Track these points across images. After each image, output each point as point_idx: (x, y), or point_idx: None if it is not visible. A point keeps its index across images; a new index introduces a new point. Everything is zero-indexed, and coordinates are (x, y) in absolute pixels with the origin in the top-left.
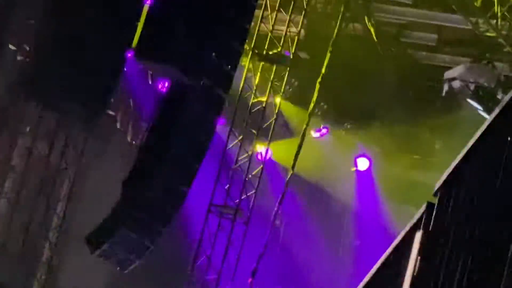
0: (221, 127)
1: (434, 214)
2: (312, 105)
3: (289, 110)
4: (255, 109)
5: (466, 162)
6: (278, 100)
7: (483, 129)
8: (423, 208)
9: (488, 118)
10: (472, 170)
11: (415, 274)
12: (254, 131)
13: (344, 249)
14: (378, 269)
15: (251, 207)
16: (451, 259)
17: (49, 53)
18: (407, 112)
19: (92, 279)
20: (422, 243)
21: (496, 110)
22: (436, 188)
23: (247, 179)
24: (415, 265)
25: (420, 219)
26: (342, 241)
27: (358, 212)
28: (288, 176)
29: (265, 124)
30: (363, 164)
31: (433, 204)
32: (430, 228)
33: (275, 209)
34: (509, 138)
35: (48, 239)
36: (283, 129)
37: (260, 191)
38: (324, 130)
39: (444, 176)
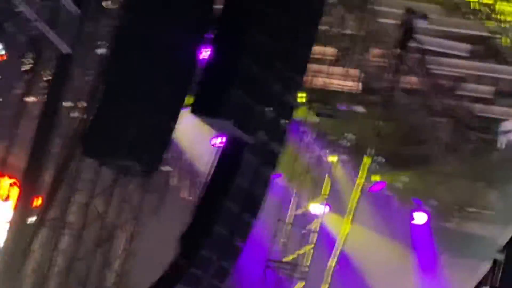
0: (277, 182)
1: (501, 270)
2: (368, 158)
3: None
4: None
5: None
6: (334, 156)
7: None
8: (489, 264)
9: None
10: None
11: None
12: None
13: None
14: None
15: (308, 263)
16: None
17: (105, 109)
18: (463, 165)
19: None
20: None
21: None
22: (503, 245)
23: (303, 234)
24: None
25: (486, 276)
26: None
27: (416, 265)
28: (345, 232)
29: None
30: (420, 218)
31: (500, 261)
32: (497, 284)
33: (331, 265)
34: None
35: None
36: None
37: (317, 246)
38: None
39: (509, 235)
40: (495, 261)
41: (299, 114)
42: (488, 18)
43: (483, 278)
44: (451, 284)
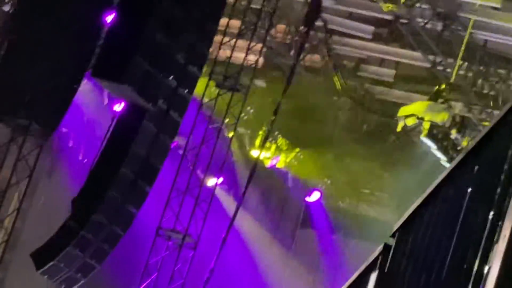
0: (174, 151)
1: (390, 256)
2: (265, 134)
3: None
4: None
5: (425, 207)
6: (231, 134)
7: (444, 176)
8: (379, 249)
9: (449, 165)
10: (431, 216)
11: None
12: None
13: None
14: None
15: (199, 233)
16: None
17: (7, 67)
18: (360, 146)
19: None
20: (377, 285)
21: (457, 158)
22: (394, 230)
23: (196, 205)
24: None
25: (375, 260)
26: None
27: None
28: (237, 205)
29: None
30: (313, 196)
31: (390, 246)
32: (386, 269)
33: (223, 236)
34: (468, 190)
35: None
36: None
37: (213, 216)
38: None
39: (402, 219)
40: (385, 246)
41: (201, 85)
42: (394, 2)
43: (372, 262)
44: (347, 264)
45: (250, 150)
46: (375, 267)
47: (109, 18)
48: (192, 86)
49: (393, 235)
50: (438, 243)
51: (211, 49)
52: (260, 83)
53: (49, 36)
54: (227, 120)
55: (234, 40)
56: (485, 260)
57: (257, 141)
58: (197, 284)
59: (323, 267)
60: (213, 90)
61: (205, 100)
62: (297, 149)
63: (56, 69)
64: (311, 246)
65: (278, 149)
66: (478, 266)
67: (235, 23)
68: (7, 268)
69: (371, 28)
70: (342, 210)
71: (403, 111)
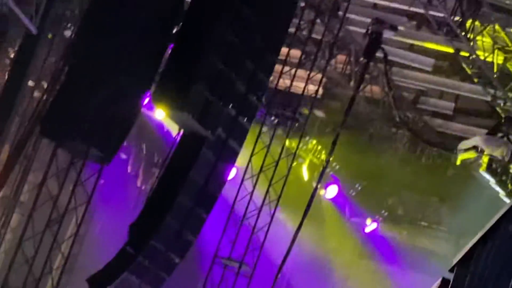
0: (232, 180)
1: None
2: (324, 164)
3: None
4: (269, 165)
5: (484, 243)
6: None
7: (503, 212)
8: (437, 283)
9: (509, 202)
10: (490, 252)
11: None
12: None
13: None
14: None
15: (255, 261)
16: None
17: (68, 92)
18: (418, 179)
19: None
20: None
21: None
22: (452, 264)
23: (254, 233)
24: None
25: None
26: None
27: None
28: (293, 234)
29: (276, 181)
30: (370, 226)
31: (448, 280)
32: None
33: (279, 266)
34: None
35: (51, 278)
36: None
37: (269, 244)
38: (334, 187)
39: (461, 254)
40: (443, 280)
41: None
42: (456, 35)
43: None
44: None
45: (309, 180)
46: None
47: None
48: (251, 115)
49: (451, 270)
50: (496, 279)
51: (271, 79)
52: (319, 113)
53: (110, 61)
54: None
55: (294, 69)
56: None
57: (316, 172)
58: None
59: None
60: (272, 119)
61: (264, 129)
62: (356, 180)
63: (117, 94)
64: (368, 276)
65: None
66: None
67: (296, 53)
68: None
69: (431, 60)
70: (399, 242)
71: (462, 144)
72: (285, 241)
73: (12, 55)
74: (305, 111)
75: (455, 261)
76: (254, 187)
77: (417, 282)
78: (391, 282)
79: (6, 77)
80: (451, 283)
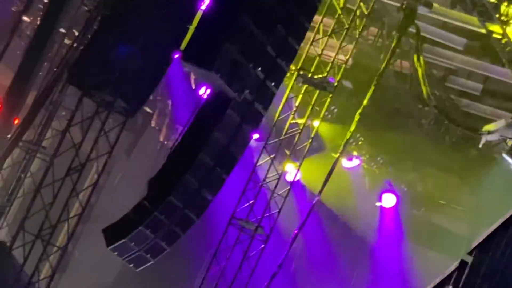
0: (254, 143)
1: (466, 272)
2: (348, 134)
3: (326, 133)
4: (291, 130)
5: (504, 230)
6: (315, 123)
7: None
8: (455, 264)
9: None
10: (509, 239)
11: None
12: (287, 151)
13: (357, 281)
14: None
15: (272, 226)
16: None
17: (99, 42)
18: (441, 157)
19: (102, 270)
20: None
21: None
22: (472, 248)
23: (272, 198)
24: None
25: (451, 274)
26: (356, 273)
27: (377, 247)
28: (314, 201)
29: (299, 147)
30: (389, 200)
31: (466, 263)
32: (461, 285)
33: (295, 231)
34: None
35: (67, 225)
36: (316, 146)
37: (284, 211)
38: (356, 160)
39: (480, 238)
40: (462, 262)
41: (287, 80)
42: (490, 18)
43: (448, 276)
44: (412, 271)
45: (331, 149)
46: (450, 282)
47: (204, 4)
48: (279, 80)
49: (470, 253)
50: None
51: (301, 45)
52: (347, 83)
53: (142, 15)
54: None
55: (326, 38)
56: None
57: (340, 142)
58: (263, 277)
59: (389, 273)
60: (300, 85)
61: (291, 94)
62: (378, 153)
63: (147, 48)
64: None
65: (358, 151)
66: None
67: (328, 22)
68: (78, 241)
69: (463, 40)
70: (415, 218)
71: (487, 127)
72: (303, 209)
73: (46, 0)
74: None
75: (474, 244)
76: (276, 152)
77: (432, 259)
78: (407, 256)
79: (38, 21)
80: (469, 265)
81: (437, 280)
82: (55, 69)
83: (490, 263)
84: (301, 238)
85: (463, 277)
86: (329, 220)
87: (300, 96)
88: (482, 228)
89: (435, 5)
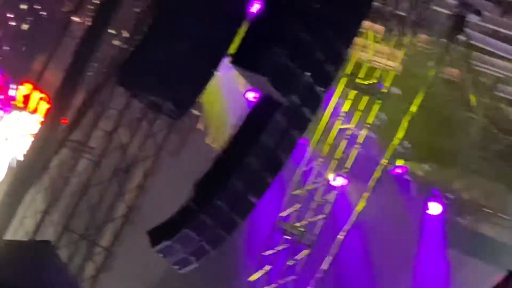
0: (301, 147)
1: None
2: (396, 142)
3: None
4: (339, 135)
5: None
6: (363, 132)
7: None
8: (501, 272)
9: None
10: None
11: None
12: (336, 158)
13: None
14: None
15: (317, 231)
16: None
17: (149, 44)
18: (488, 166)
19: (147, 272)
20: None
21: None
22: None
23: (318, 203)
24: None
25: (498, 286)
26: (399, 281)
27: (422, 255)
28: (359, 209)
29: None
30: (435, 209)
31: None
32: None
33: (340, 238)
34: None
35: (113, 225)
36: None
37: (329, 217)
38: (398, 170)
39: None
40: (510, 273)
41: (338, 85)
42: None
43: (496, 286)
44: (457, 280)
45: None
46: None
47: (254, 8)
48: (327, 85)
49: None
50: None
51: (351, 50)
52: (396, 90)
53: (192, 16)
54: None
55: (375, 44)
56: None
57: (389, 149)
58: (308, 282)
59: (433, 283)
60: (349, 91)
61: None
62: (424, 161)
63: (196, 51)
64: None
65: (405, 158)
66: None
67: (378, 28)
68: (123, 242)
69: None
70: (461, 227)
71: None
72: (349, 213)
73: (96, 1)
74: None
75: None
76: (321, 157)
77: (477, 269)
78: (452, 266)
79: (88, 22)
80: None
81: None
82: (104, 70)
83: None
84: (344, 244)
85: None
86: (372, 226)
87: (349, 101)
88: None
89: (485, 13)
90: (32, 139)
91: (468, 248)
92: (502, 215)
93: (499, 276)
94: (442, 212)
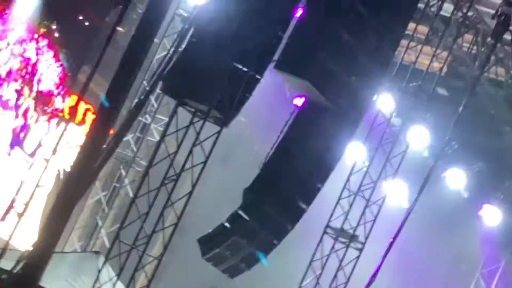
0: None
1: None
2: (444, 143)
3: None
4: (386, 138)
5: None
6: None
7: None
8: None
9: None
10: None
11: None
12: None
13: None
14: None
15: (367, 235)
16: None
17: (193, 52)
18: None
19: (197, 280)
20: None
21: None
22: None
23: (368, 206)
24: None
25: None
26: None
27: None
28: (407, 211)
29: (394, 156)
30: (490, 213)
31: None
32: None
33: (391, 241)
34: None
35: (162, 235)
36: None
37: (380, 220)
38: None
39: None
40: None
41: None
42: None
43: None
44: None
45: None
46: None
47: (298, 13)
48: (374, 88)
49: None
50: None
51: (396, 53)
52: (442, 91)
53: (238, 23)
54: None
55: (420, 45)
56: None
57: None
58: (359, 285)
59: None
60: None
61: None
62: (473, 161)
63: (242, 57)
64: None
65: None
66: None
67: (423, 29)
68: (174, 251)
69: None
70: None
71: None
72: (399, 216)
73: (140, 11)
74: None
75: None
76: (371, 160)
77: None
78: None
79: (134, 32)
80: None
81: None
82: (149, 80)
83: None
84: (397, 248)
85: None
86: (424, 228)
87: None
88: None
89: None
90: (79, 150)
91: None
92: None
93: None
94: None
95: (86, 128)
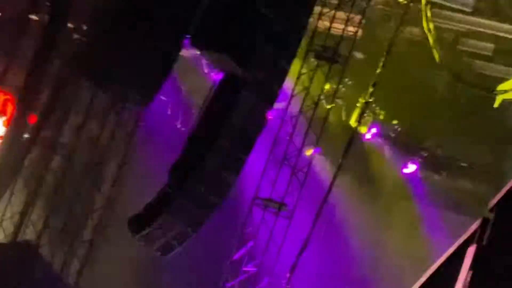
0: (273, 120)
1: (489, 230)
2: (363, 106)
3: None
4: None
5: None
6: (329, 105)
7: None
8: (477, 222)
9: None
10: None
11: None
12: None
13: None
14: (428, 280)
15: (295, 202)
16: (502, 277)
17: (107, 34)
18: (458, 120)
19: (131, 261)
20: (474, 257)
21: None
22: (492, 205)
23: (292, 174)
24: (466, 279)
25: (473, 233)
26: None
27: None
28: (334, 174)
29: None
30: (409, 168)
31: (488, 220)
32: (484, 243)
33: (319, 206)
34: None
35: (91, 218)
36: None
37: (307, 186)
38: (374, 130)
39: (500, 194)
40: (484, 219)
41: (299, 55)
42: None
43: (471, 235)
44: (438, 236)
45: (348, 121)
46: (473, 240)
47: None
48: (291, 57)
49: (491, 210)
50: None
51: (310, 20)
52: (359, 55)
53: (148, 3)
54: (325, 91)
55: (334, 11)
56: None
57: (355, 113)
58: (291, 253)
59: (421, 239)
60: (312, 61)
61: (304, 70)
62: (395, 121)
63: (156, 36)
64: (408, 218)
65: (375, 121)
66: None
67: None
68: (103, 233)
69: (471, 1)
70: (438, 183)
71: (501, 86)
72: (325, 182)
73: None
74: (345, 53)
75: (495, 200)
76: (293, 128)
77: (457, 223)
78: (431, 223)
79: (48, 19)
80: (491, 222)
81: (461, 240)
82: (67, 65)
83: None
84: (330, 209)
85: (486, 234)
86: (353, 192)
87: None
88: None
89: None
90: (1, 141)
91: (447, 203)
92: (477, 167)
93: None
94: (417, 170)
95: (5, 118)
